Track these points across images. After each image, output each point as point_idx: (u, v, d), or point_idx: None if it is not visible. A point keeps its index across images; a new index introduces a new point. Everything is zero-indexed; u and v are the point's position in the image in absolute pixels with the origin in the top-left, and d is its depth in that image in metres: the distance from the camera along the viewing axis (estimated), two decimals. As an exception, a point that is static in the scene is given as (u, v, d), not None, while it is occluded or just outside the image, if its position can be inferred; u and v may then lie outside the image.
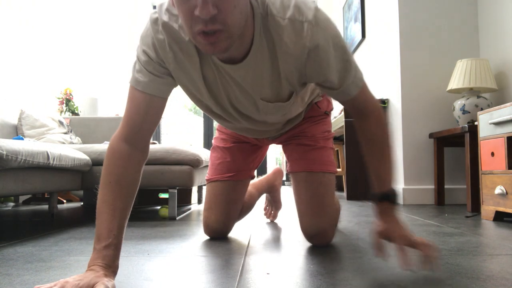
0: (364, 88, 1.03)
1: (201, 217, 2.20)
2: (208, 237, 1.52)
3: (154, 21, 0.92)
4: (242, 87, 0.99)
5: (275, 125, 1.27)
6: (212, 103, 1.06)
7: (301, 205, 1.35)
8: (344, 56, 0.93)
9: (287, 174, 3.48)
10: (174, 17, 0.90)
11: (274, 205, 1.97)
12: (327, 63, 0.91)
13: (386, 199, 1.04)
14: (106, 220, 0.86)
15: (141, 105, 0.92)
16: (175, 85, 1.00)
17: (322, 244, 1.35)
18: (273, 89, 1.00)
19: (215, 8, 0.74)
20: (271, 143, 1.52)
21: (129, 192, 0.92)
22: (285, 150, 1.49)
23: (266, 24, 0.88)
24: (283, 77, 0.96)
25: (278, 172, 1.90)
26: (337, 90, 0.99)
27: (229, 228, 1.52)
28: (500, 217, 1.96)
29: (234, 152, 1.49)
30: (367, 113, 1.05)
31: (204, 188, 3.87)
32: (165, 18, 0.90)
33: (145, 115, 0.93)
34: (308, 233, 1.33)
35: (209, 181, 1.53)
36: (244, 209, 1.60)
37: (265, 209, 1.99)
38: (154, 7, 5.95)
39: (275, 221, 1.98)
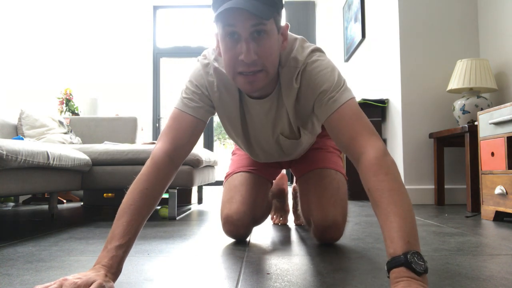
0: (349, 110, 0.97)
1: (201, 217, 2.21)
2: (207, 238, 1.51)
3: (205, 65, 1.12)
4: (266, 122, 1.18)
5: (291, 156, 1.39)
6: (241, 138, 1.26)
7: (313, 199, 1.33)
8: (330, 77, 1.02)
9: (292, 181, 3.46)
10: (222, 64, 1.08)
11: (282, 210, 1.92)
12: (314, 84, 1.04)
13: (400, 265, 0.71)
14: (126, 222, 0.88)
15: (188, 126, 1.07)
16: (214, 114, 1.19)
17: (332, 240, 1.34)
18: (289, 124, 1.18)
19: (255, 54, 0.94)
20: (287, 165, 1.56)
21: (155, 202, 0.96)
22: (292, 166, 1.52)
23: (280, 71, 1.08)
24: (290, 112, 1.13)
25: (283, 176, 1.90)
26: (320, 103, 1.01)
27: (250, 226, 1.42)
28: (500, 217, 1.96)
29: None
30: (359, 152, 0.90)
31: (204, 188, 3.87)
32: (216, 64, 1.11)
33: (190, 135, 1.07)
34: (322, 226, 1.29)
35: (229, 175, 1.50)
36: (265, 211, 1.54)
37: (272, 218, 1.94)
38: (155, 7, 5.95)
39: (280, 223, 1.92)
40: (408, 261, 0.71)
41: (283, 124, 1.18)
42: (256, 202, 1.41)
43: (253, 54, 0.93)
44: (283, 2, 1.01)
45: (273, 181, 1.73)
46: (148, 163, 0.99)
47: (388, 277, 0.74)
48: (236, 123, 1.21)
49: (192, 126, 1.07)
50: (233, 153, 1.63)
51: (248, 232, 1.43)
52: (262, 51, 0.95)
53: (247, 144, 1.30)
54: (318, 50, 1.09)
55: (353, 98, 1.00)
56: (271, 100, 1.12)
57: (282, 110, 1.15)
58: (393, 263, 0.73)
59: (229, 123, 1.22)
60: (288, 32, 1.08)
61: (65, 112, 4.25)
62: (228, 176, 1.52)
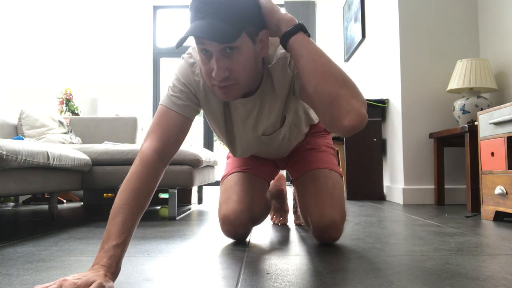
0: None
1: (201, 217, 2.21)
2: (206, 238, 1.51)
3: (191, 65, 1.12)
4: (249, 120, 1.20)
5: (278, 153, 1.41)
6: (225, 136, 1.28)
7: (310, 199, 1.33)
8: None
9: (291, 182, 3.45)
10: None
11: (282, 210, 1.92)
12: None
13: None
14: (121, 221, 0.88)
15: (176, 124, 1.07)
16: (199, 113, 1.19)
17: (331, 240, 1.34)
18: (272, 118, 1.19)
19: (227, 71, 0.95)
20: (283, 165, 1.57)
21: (147, 201, 0.97)
22: (288, 168, 1.53)
23: (268, 70, 1.11)
24: (280, 98, 1.15)
25: (281, 177, 1.89)
26: None
27: (249, 225, 1.40)
28: (500, 217, 1.96)
29: (251, 158, 1.52)
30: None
31: (204, 188, 3.87)
32: None
33: (178, 133, 1.07)
34: (319, 226, 1.29)
35: (224, 177, 1.51)
36: (263, 211, 1.53)
37: (272, 218, 1.94)
38: (155, 7, 5.95)
39: (280, 223, 1.92)
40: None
41: (265, 122, 1.20)
42: (253, 200, 1.40)
43: (223, 71, 0.94)
44: (255, 9, 0.98)
45: (272, 181, 1.73)
46: (137, 161, 0.99)
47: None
48: (220, 122, 1.23)
49: (179, 124, 1.08)
50: (228, 157, 1.63)
51: (247, 232, 1.43)
52: (234, 67, 0.96)
53: (230, 141, 1.32)
54: None
55: None
56: (253, 100, 1.14)
57: (265, 108, 1.17)
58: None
59: (214, 121, 1.24)
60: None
61: (65, 112, 4.25)
62: (223, 178, 1.52)
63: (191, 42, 1.07)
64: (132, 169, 0.98)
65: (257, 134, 1.24)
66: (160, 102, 1.11)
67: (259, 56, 1.03)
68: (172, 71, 1.16)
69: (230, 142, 1.33)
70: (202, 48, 0.95)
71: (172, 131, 1.06)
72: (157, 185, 1.01)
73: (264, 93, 1.14)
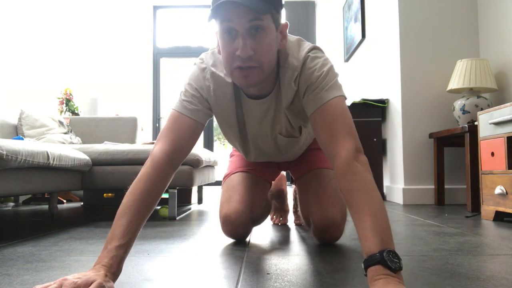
0: (332, 108, 0.98)
1: (201, 217, 2.21)
2: (206, 239, 1.51)
3: (203, 70, 1.13)
4: (265, 122, 1.18)
5: (287, 155, 1.39)
6: (239, 140, 1.28)
7: (312, 198, 1.33)
8: (317, 73, 1.04)
9: (292, 182, 3.46)
10: (220, 67, 1.11)
11: (282, 210, 1.92)
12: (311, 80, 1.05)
13: (376, 263, 0.73)
14: (126, 222, 0.88)
15: (187, 128, 1.08)
16: (211, 117, 1.19)
17: (332, 239, 1.34)
18: (287, 123, 1.18)
19: (252, 50, 0.95)
20: (286, 166, 1.57)
21: (154, 203, 0.97)
22: (291, 167, 1.53)
23: (279, 71, 1.10)
24: (288, 110, 1.14)
25: (282, 177, 1.90)
26: (310, 94, 1.03)
27: (249, 225, 1.41)
28: (500, 217, 1.96)
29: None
30: (333, 152, 0.93)
31: (204, 188, 3.87)
32: (213, 69, 1.12)
33: (189, 137, 1.08)
34: (321, 225, 1.30)
35: (227, 176, 1.51)
36: (264, 211, 1.53)
37: (272, 218, 1.94)
38: (155, 7, 5.95)
39: (280, 223, 1.92)
40: (384, 259, 0.73)
41: (282, 124, 1.19)
42: (254, 201, 1.41)
43: (249, 49, 0.94)
44: (283, 2, 1.01)
45: (272, 182, 1.73)
46: (147, 164, 0.99)
47: (365, 275, 0.75)
48: (233, 126, 1.22)
49: (191, 129, 1.08)
50: (231, 155, 1.64)
51: (247, 232, 1.43)
52: (259, 48, 0.96)
53: (244, 145, 1.31)
54: (314, 48, 1.10)
55: (340, 96, 1.00)
56: (269, 100, 1.13)
57: (281, 110, 1.15)
58: (369, 261, 0.75)
59: (227, 125, 1.23)
60: (288, 33, 1.08)
61: (65, 112, 4.25)
62: (226, 177, 1.52)
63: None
64: (142, 171, 0.98)
65: (274, 133, 1.23)
66: (172, 107, 1.12)
67: (278, 46, 1.04)
68: (185, 76, 1.17)
69: (244, 145, 1.32)
70: (227, 28, 0.95)
71: (183, 135, 1.06)
72: (165, 188, 1.01)
73: (279, 96, 1.13)
